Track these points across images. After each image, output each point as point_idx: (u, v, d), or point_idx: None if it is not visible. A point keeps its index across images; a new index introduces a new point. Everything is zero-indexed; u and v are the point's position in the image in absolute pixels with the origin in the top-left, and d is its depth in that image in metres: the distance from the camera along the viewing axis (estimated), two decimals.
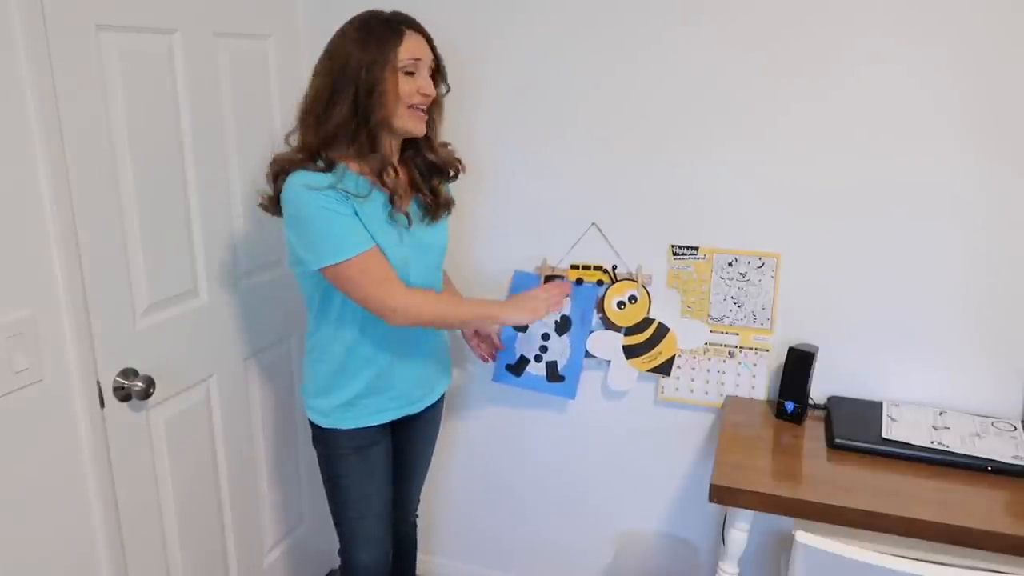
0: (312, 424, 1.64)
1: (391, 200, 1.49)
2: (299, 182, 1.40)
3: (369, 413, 1.60)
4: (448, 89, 1.58)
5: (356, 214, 1.44)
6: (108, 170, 1.43)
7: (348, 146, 1.44)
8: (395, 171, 1.50)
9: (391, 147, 1.52)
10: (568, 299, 1.93)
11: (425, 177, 1.60)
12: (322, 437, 1.63)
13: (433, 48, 1.49)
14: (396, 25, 1.44)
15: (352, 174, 1.45)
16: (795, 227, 1.78)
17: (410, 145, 1.57)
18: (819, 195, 1.75)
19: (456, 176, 1.65)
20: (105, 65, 1.40)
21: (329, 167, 1.43)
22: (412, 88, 1.44)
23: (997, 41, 1.57)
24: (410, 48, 1.43)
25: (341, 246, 1.40)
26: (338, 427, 1.60)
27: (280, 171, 1.45)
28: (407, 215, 1.51)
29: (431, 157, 1.58)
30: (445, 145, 1.63)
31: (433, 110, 1.53)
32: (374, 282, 1.43)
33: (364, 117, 1.42)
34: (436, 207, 1.60)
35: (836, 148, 1.71)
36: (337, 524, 1.70)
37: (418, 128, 1.49)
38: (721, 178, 1.80)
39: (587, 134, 1.87)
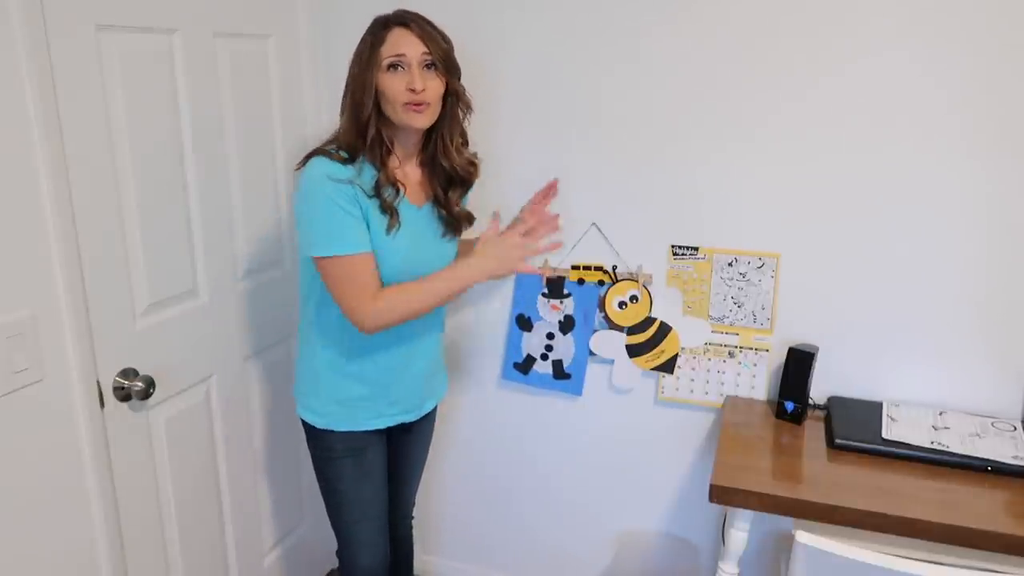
0: (305, 423, 1.63)
1: (377, 192, 1.43)
2: (321, 169, 1.40)
3: (365, 417, 1.59)
4: (460, 87, 1.50)
5: (366, 218, 1.42)
6: (108, 170, 1.43)
7: (363, 143, 1.45)
8: (385, 171, 1.46)
9: (413, 143, 1.51)
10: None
11: (443, 186, 1.56)
12: (316, 437, 1.62)
13: (428, 42, 1.42)
14: (386, 22, 1.44)
15: (371, 170, 1.45)
16: (795, 227, 1.78)
17: (428, 144, 1.53)
18: (819, 195, 1.75)
19: (467, 189, 1.61)
20: (105, 65, 1.40)
21: (351, 159, 1.43)
22: (400, 86, 1.40)
23: (1000, 41, 1.57)
24: (393, 44, 1.41)
25: (335, 240, 1.40)
26: (332, 428, 1.59)
27: (308, 156, 1.45)
28: (392, 210, 1.45)
29: (443, 162, 1.53)
30: (461, 152, 1.55)
31: (448, 107, 1.49)
32: (353, 287, 1.42)
33: (361, 117, 1.43)
34: (447, 222, 1.57)
35: (836, 148, 1.71)
36: (335, 526, 1.69)
37: (415, 121, 1.43)
38: (721, 178, 1.80)
39: (587, 135, 1.87)
